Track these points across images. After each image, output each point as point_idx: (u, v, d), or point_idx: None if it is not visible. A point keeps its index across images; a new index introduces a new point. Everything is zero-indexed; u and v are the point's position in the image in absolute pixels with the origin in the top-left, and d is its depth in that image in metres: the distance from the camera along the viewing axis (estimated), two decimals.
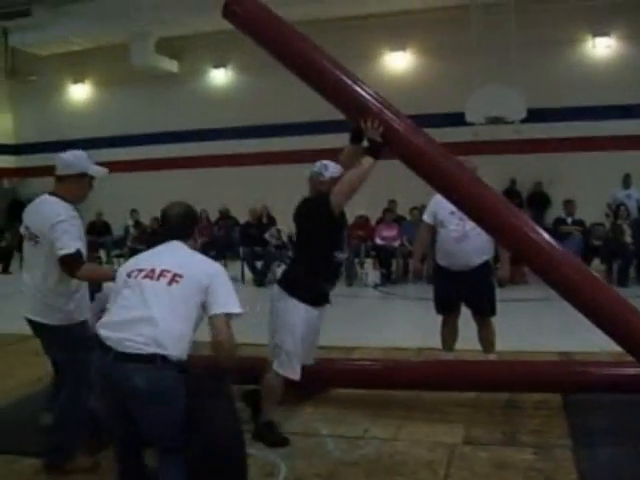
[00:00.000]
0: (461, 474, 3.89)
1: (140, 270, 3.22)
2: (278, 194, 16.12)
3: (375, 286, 12.15)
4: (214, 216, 15.92)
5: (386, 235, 12.76)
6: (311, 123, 16.39)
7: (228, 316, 3.14)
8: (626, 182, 13.61)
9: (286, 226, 14.02)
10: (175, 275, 3.15)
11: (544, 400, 5.09)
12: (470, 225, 5.41)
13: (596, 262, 11.83)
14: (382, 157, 4.38)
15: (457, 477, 3.85)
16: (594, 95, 14.93)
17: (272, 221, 13.86)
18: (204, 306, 3.16)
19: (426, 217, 5.90)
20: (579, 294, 4.28)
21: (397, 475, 3.89)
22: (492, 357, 5.71)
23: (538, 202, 15.46)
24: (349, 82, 4.49)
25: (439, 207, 5.68)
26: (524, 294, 10.05)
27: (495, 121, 13.70)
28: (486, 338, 5.77)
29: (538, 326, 8.13)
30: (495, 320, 5.79)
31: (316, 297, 4.45)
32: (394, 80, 16.61)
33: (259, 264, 12.86)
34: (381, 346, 6.67)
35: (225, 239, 14.52)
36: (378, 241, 12.75)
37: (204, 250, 14.09)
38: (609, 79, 15.07)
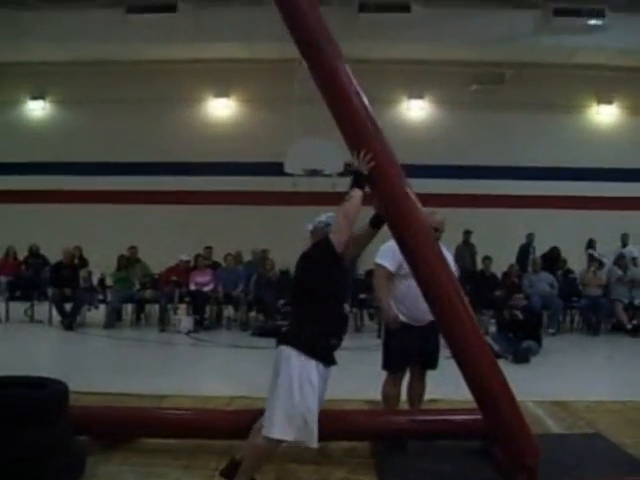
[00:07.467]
0: None
1: None
2: (94, 235, 15.64)
3: (188, 332, 11.93)
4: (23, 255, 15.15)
5: (200, 281, 12.70)
6: (131, 163, 16.05)
7: None
8: None
9: (98, 269, 13.58)
10: None
11: (353, 448, 5.19)
12: None
13: None
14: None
15: None
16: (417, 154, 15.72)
17: (84, 262, 13.36)
18: None
19: (388, 264, 5.29)
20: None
21: None
22: None
23: None
24: (360, 107, 4.35)
25: None
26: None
27: (313, 173, 13.96)
28: (420, 391, 5.59)
29: (348, 375, 8.22)
30: None
31: (329, 356, 4.10)
32: (218, 126, 16.77)
33: (68, 307, 12.29)
34: (192, 395, 6.53)
35: (33, 279, 13.77)
36: (192, 287, 12.64)
37: (10, 289, 13.32)
38: (429, 138, 16.41)
